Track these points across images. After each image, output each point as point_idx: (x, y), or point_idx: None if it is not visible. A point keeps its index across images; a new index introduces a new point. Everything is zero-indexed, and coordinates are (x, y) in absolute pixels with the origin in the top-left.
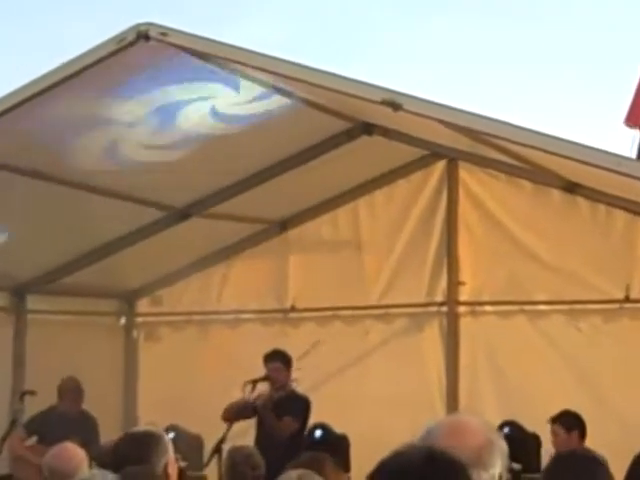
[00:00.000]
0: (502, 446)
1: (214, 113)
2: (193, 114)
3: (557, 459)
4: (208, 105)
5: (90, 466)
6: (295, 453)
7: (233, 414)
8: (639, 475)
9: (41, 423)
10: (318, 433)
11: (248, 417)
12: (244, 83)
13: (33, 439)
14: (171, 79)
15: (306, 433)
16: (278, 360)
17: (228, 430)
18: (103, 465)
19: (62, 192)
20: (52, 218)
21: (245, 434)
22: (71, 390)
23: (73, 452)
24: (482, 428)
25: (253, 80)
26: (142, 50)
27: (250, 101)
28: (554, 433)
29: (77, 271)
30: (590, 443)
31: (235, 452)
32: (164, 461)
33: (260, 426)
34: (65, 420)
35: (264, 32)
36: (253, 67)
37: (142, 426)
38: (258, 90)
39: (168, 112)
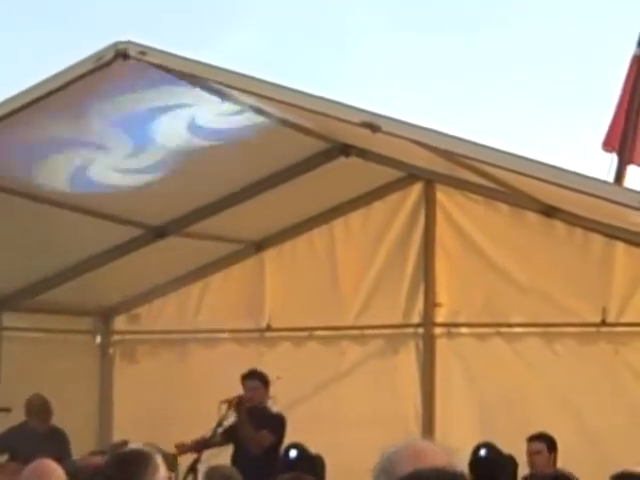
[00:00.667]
0: (462, 469)
1: (192, 126)
2: (170, 127)
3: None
4: (187, 115)
5: None
6: (271, 471)
7: (198, 447)
8: None
9: (12, 440)
10: (293, 453)
11: (219, 445)
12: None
13: (4, 456)
14: (148, 92)
15: (282, 453)
16: (256, 379)
17: (201, 452)
18: None
19: (39, 209)
20: (29, 235)
21: (221, 453)
22: (37, 408)
23: (51, 468)
24: (441, 451)
25: (232, 100)
26: (121, 69)
27: (231, 114)
28: (536, 451)
29: (53, 288)
30: (566, 464)
31: (213, 472)
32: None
33: (236, 444)
34: (36, 436)
35: (248, 45)
36: (232, 87)
37: (133, 445)
38: (236, 108)
39: (144, 127)
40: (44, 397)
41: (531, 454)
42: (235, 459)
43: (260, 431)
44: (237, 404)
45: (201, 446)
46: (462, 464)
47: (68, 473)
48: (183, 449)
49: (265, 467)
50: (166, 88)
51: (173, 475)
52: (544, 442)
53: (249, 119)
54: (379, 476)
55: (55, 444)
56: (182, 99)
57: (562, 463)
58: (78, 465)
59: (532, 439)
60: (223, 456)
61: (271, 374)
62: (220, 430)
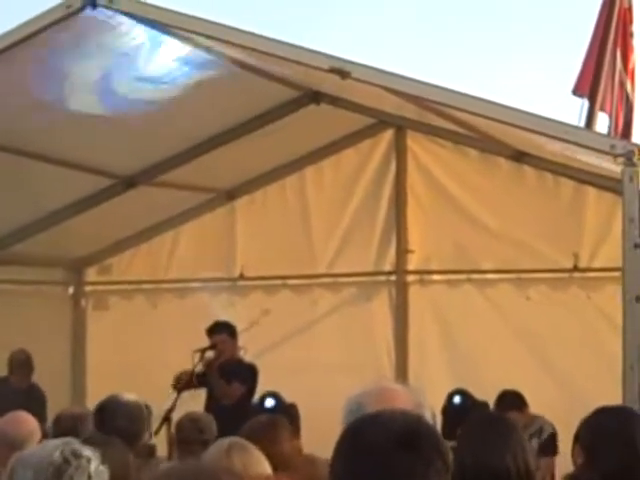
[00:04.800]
0: (430, 409)
1: (159, 73)
2: (136, 74)
3: (471, 420)
4: (153, 62)
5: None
6: (243, 420)
7: (182, 385)
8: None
9: None
10: (270, 402)
11: (195, 387)
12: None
13: None
14: (116, 40)
15: (257, 401)
16: (223, 331)
17: (177, 399)
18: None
19: (8, 160)
20: None
21: (193, 402)
22: (21, 363)
23: (25, 419)
24: (409, 393)
25: (202, 48)
26: (89, 18)
27: (201, 61)
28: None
29: (24, 240)
30: (538, 409)
31: (183, 417)
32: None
33: (208, 394)
34: (15, 393)
35: None
36: (204, 35)
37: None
38: (205, 56)
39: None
40: (27, 352)
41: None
42: (207, 408)
43: (231, 384)
44: (208, 362)
45: (184, 384)
46: (431, 405)
47: (42, 430)
48: (181, 382)
49: (237, 417)
50: (133, 36)
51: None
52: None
53: (219, 67)
54: (347, 419)
55: (34, 403)
56: (148, 46)
57: (534, 407)
58: (58, 414)
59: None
60: (195, 405)
61: (244, 323)
62: (195, 375)
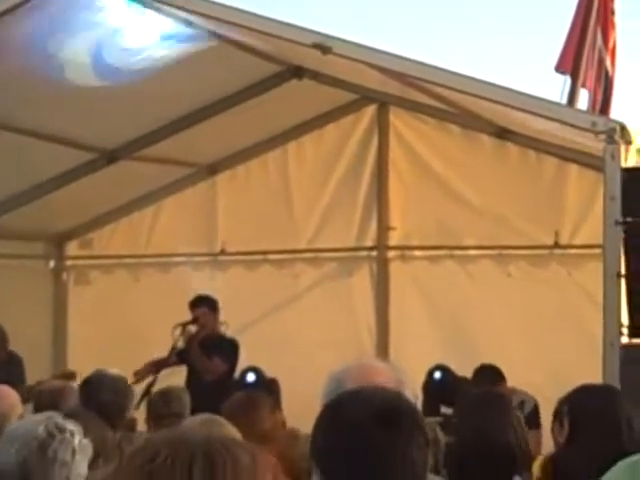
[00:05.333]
0: (411, 386)
1: (138, 45)
2: (115, 46)
3: (472, 395)
4: (132, 35)
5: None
6: (225, 396)
7: (159, 365)
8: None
9: None
10: (251, 377)
11: (173, 364)
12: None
13: None
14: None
15: (237, 376)
16: (204, 305)
17: (156, 375)
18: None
19: None
20: None
21: (174, 377)
22: None
23: (6, 393)
24: (390, 370)
25: (184, 22)
26: None
27: (181, 36)
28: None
29: (5, 214)
30: (519, 384)
31: (154, 393)
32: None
33: (189, 369)
34: None
35: None
36: (186, 10)
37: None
38: (188, 31)
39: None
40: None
41: None
42: (189, 384)
43: (212, 359)
44: (189, 337)
45: (157, 367)
46: (412, 383)
47: (22, 397)
48: (140, 375)
49: (219, 392)
50: (113, 10)
51: None
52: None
53: (202, 41)
54: (330, 395)
55: (11, 369)
56: (129, 20)
57: (515, 382)
58: (39, 389)
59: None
60: (177, 380)
61: (224, 297)
62: (175, 351)
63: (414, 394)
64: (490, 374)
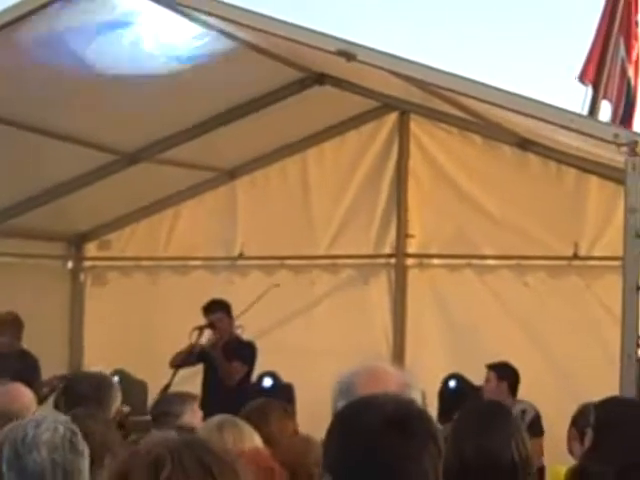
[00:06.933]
0: (421, 391)
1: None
2: (138, 49)
3: (469, 407)
4: (156, 38)
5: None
6: (243, 399)
7: (180, 360)
8: (582, 424)
9: None
10: (268, 381)
11: (193, 364)
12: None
13: None
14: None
15: (254, 380)
16: (219, 310)
17: (174, 376)
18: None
19: (12, 134)
20: (1, 160)
21: (191, 380)
22: (9, 323)
23: (20, 392)
24: (398, 373)
25: (208, 27)
26: None
27: (206, 40)
28: (487, 379)
29: (25, 213)
30: (533, 396)
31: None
32: (116, 405)
33: (207, 372)
34: (6, 359)
35: None
36: (211, 15)
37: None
38: (211, 36)
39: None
40: (15, 313)
41: (484, 382)
42: (207, 387)
43: (232, 363)
44: (213, 342)
45: (183, 361)
46: (426, 391)
47: (38, 397)
48: (177, 360)
49: (237, 396)
50: (140, 12)
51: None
52: (494, 370)
53: (225, 47)
54: (339, 398)
55: (25, 367)
56: (150, 21)
57: (529, 394)
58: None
59: (487, 366)
60: (194, 384)
61: (243, 302)
62: (196, 351)
63: (423, 398)
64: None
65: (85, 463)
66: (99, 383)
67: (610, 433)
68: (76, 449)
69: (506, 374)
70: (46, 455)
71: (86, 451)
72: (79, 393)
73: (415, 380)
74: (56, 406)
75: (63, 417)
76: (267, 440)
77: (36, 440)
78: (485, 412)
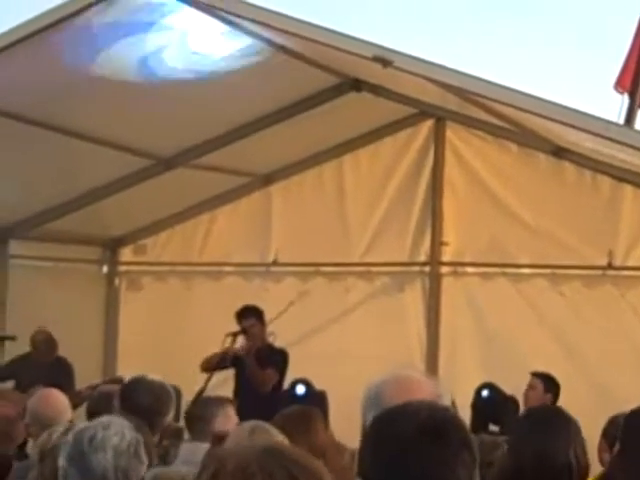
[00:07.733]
0: (451, 399)
1: (202, 54)
2: (179, 54)
3: (529, 411)
4: (195, 43)
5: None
6: (275, 406)
7: (213, 364)
8: (612, 435)
9: (17, 368)
10: (301, 389)
11: (227, 367)
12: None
13: (10, 383)
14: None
15: (287, 388)
16: (252, 316)
17: (208, 381)
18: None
19: (49, 137)
20: (38, 164)
21: (224, 386)
22: (42, 343)
23: (55, 397)
24: (428, 382)
25: (245, 32)
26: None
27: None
28: (531, 386)
29: (61, 217)
30: (567, 406)
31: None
32: (170, 417)
33: (239, 378)
34: (40, 366)
35: None
36: (247, 19)
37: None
38: (247, 41)
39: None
40: (47, 331)
41: (527, 388)
42: (239, 395)
43: (265, 370)
44: (246, 349)
45: (217, 365)
46: (460, 400)
47: (72, 402)
48: (209, 365)
49: (269, 403)
50: (176, 16)
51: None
52: (541, 379)
53: (261, 52)
54: (369, 407)
55: (59, 374)
56: (191, 26)
57: (563, 404)
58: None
59: (532, 374)
60: (227, 390)
61: (277, 308)
62: (230, 356)
63: (453, 406)
64: None
65: (143, 472)
66: (160, 394)
67: (636, 441)
68: (139, 457)
69: (552, 387)
70: (111, 458)
71: (146, 460)
72: (139, 403)
73: (445, 389)
74: (89, 413)
75: (127, 423)
76: (315, 451)
77: (104, 442)
78: (545, 417)
